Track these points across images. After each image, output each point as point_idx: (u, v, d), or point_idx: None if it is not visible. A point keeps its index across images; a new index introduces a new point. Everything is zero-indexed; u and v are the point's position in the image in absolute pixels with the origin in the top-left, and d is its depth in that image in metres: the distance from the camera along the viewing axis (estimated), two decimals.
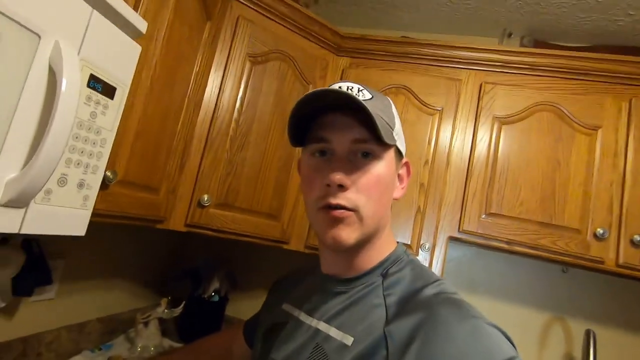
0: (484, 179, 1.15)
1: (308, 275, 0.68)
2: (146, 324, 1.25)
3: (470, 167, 1.17)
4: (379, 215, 0.53)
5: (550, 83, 1.18)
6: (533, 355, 1.31)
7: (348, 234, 0.51)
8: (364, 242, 0.53)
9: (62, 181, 0.55)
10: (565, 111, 1.14)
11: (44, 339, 1.00)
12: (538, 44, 1.47)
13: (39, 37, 0.48)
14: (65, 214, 0.57)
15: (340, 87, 0.53)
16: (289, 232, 1.19)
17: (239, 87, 1.10)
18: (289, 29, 1.21)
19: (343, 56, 1.32)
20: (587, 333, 1.15)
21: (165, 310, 1.28)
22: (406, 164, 0.61)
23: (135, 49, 0.65)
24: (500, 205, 1.12)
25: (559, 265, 1.28)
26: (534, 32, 1.50)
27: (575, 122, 1.13)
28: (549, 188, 1.11)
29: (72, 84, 0.49)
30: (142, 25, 0.65)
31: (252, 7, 1.13)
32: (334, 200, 0.50)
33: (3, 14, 0.43)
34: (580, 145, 1.12)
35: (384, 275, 0.54)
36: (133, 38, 0.64)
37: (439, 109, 1.22)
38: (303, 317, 0.58)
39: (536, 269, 1.36)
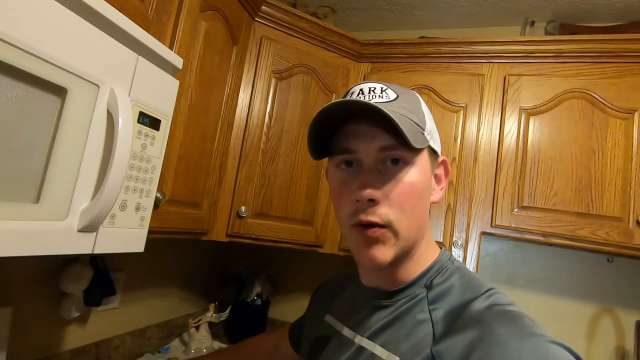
0: (514, 172, 1.14)
1: (350, 284, 0.64)
2: (197, 327, 1.35)
3: (499, 162, 1.16)
4: (416, 226, 0.49)
5: (579, 69, 1.15)
6: (582, 348, 1.28)
7: (384, 253, 0.47)
8: (402, 257, 0.49)
9: (123, 206, 0.64)
10: (597, 97, 1.11)
11: (112, 344, 1.12)
12: (564, 28, 1.42)
13: (98, 86, 0.57)
14: (126, 234, 0.66)
15: (362, 90, 0.50)
16: (323, 236, 1.25)
17: (267, 103, 1.18)
18: (309, 42, 1.26)
19: (364, 62, 1.36)
20: (638, 324, 1.11)
21: (214, 315, 1.38)
22: (443, 162, 0.55)
23: (174, 83, 0.73)
24: (533, 197, 1.11)
25: (603, 255, 1.24)
26: (559, 16, 1.46)
27: (609, 107, 1.09)
28: (585, 177, 1.08)
29: (126, 124, 0.58)
30: (178, 62, 0.73)
31: (273, 26, 1.20)
32: (365, 217, 0.46)
33: (70, 72, 0.52)
34: (616, 130, 1.08)
35: (428, 287, 0.50)
36: (171, 74, 0.72)
37: (463, 105, 1.22)
38: (346, 332, 0.55)
39: (579, 259, 1.32)
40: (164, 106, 0.71)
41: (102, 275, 1.00)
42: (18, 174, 0.48)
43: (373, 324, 0.51)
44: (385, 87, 0.50)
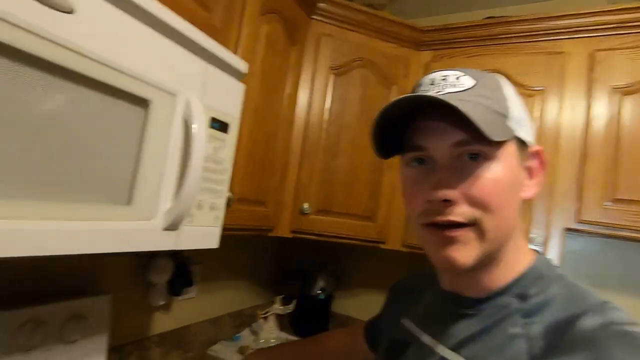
0: (606, 160, 1.01)
1: (428, 287, 0.59)
2: (265, 318, 1.42)
3: (585, 150, 1.04)
4: (505, 227, 0.43)
5: None
6: None
7: (464, 255, 0.42)
8: (487, 261, 0.44)
9: (199, 206, 0.69)
10: None
11: (191, 330, 1.22)
12: None
13: (175, 96, 0.61)
14: (203, 232, 0.71)
15: (433, 80, 0.45)
16: (385, 232, 1.23)
17: (325, 100, 1.18)
18: (366, 35, 1.24)
19: (425, 50, 1.29)
20: None
21: (280, 307, 1.43)
22: (537, 153, 0.48)
23: (240, 88, 0.76)
24: (630, 189, 0.97)
25: None
26: None
27: None
28: None
29: (201, 130, 0.61)
30: (244, 67, 0.76)
31: (330, 22, 1.20)
32: (442, 217, 0.42)
33: (152, 84, 0.57)
34: None
35: (522, 297, 0.44)
36: (237, 79, 0.76)
37: (540, 88, 1.11)
38: (426, 339, 0.51)
39: None
40: (231, 110, 0.74)
41: (181, 268, 1.09)
42: (113, 179, 0.54)
43: (456, 334, 0.46)
44: (460, 74, 0.45)
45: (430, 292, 0.57)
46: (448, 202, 0.42)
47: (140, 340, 1.03)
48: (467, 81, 0.44)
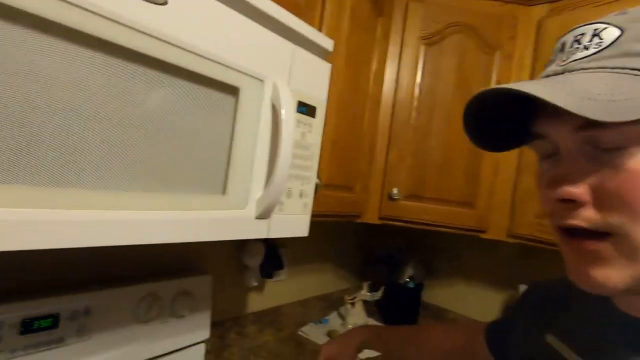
0: None
1: (581, 298, 0.46)
2: (353, 304, 1.40)
3: None
4: None
5: None
6: None
7: (605, 276, 0.32)
8: None
9: (289, 194, 0.67)
10: None
11: (283, 310, 1.27)
12: None
13: (263, 81, 0.59)
14: (293, 220, 0.70)
15: (563, 45, 0.35)
16: (486, 220, 1.09)
17: (415, 74, 1.07)
18: None
19: (536, 4, 1.08)
20: None
21: (367, 294, 1.40)
22: None
23: (327, 67, 0.71)
24: None
25: None
26: None
27: None
28: None
29: (289, 116, 0.59)
30: (329, 44, 0.71)
31: None
32: (570, 221, 0.33)
33: (240, 71, 0.55)
34: None
35: None
36: (324, 58, 0.71)
37: None
38: None
39: None
40: (318, 92, 0.71)
41: (272, 251, 1.13)
42: (210, 169, 0.55)
43: None
44: (602, 26, 0.32)
45: (588, 306, 0.45)
46: (570, 203, 0.32)
47: (237, 317, 1.10)
48: (608, 35, 0.32)
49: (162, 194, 0.49)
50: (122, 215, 0.44)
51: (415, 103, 1.07)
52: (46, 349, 0.64)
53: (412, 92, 1.07)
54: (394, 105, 1.07)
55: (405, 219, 1.08)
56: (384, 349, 0.77)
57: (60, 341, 0.66)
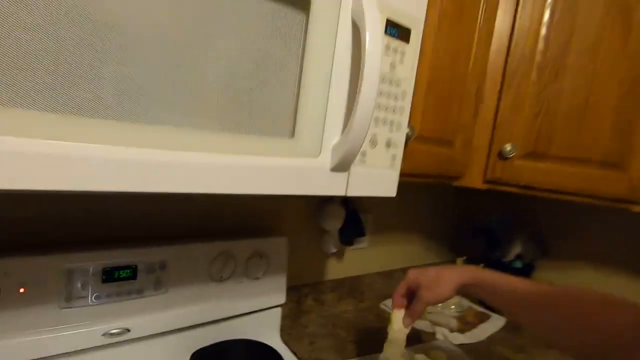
0: None
1: None
2: None
3: None
4: None
5: None
6: None
7: None
8: None
9: (373, 142, 0.54)
10: None
11: (363, 281, 1.17)
12: None
13: None
14: (378, 175, 0.56)
15: None
16: None
17: None
18: None
19: None
20: None
21: None
22: None
23: None
24: None
25: None
26: None
27: None
28: None
29: (375, 37, 0.44)
30: None
31: None
32: None
33: None
34: None
35: None
36: None
37: None
38: None
39: None
40: (414, 9, 0.54)
41: (352, 216, 1.02)
42: (275, 105, 0.44)
43: None
44: None
45: None
46: None
47: (315, 283, 1.04)
48: None
49: (218, 134, 0.40)
50: (177, 157, 0.36)
51: (543, 31, 0.80)
52: (127, 299, 0.65)
53: (540, 17, 0.80)
54: (510, 37, 0.82)
55: (521, 184, 0.85)
56: (499, 306, 0.65)
57: (139, 292, 0.66)
